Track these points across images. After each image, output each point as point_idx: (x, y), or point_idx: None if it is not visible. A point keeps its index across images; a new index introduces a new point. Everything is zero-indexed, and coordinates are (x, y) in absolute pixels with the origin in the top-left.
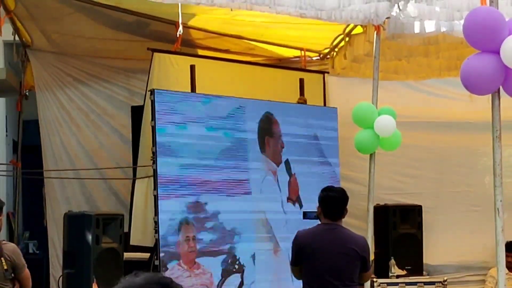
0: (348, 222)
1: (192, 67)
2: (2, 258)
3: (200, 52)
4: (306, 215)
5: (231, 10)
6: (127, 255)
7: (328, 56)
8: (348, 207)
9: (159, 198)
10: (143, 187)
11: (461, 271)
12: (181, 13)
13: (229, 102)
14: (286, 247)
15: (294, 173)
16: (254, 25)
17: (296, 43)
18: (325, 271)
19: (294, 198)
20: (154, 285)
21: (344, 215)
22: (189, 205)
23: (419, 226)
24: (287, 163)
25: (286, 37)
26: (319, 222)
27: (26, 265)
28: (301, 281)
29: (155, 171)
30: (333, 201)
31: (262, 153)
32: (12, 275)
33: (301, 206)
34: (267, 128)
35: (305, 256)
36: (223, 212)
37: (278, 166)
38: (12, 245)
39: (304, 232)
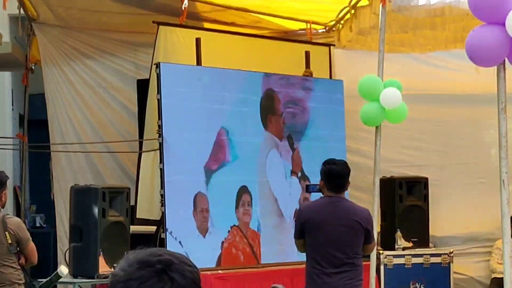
0: (354, 194)
1: (198, 40)
2: (7, 233)
3: (206, 25)
4: (308, 188)
5: None
6: (133, 228)
7: (334, 29)
8: (354, 180)
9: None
10: (149, 160)
11: (467, 243)
12: None
13: (235, 75)
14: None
15: (297, 147)
16: None
17: (302, 15)
18: (329, 244)
19: (298, 171)
20: (145, 271)
21: (347, 187)
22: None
23: (425, 198)
24: (289, 137)
25: (292, 10)
26: (322, 195)
27: (30, 239)
28: (304, 254)
29: (161, 144)
30: (336, 174)
31: (265, 130)
32: (17, 249)
33: (305, 179)
34: (269, 106)
35: (309, 229)
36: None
37: (281, 141)
38: (16, 219)
39: (307, 206)
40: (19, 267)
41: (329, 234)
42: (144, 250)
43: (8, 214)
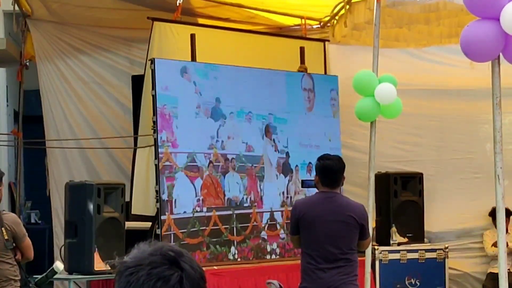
0: (349, 190)
1: (192, 36)
2: (3, 228)
3: (200, 21)
4: (304, 184)
5: None
6: (128, 224)
7: (329, 24)
8: (349, 175)
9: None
10: (144, 156)
11: (462, 238)
12: None
13: (229, 71)
14: None
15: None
16: None
17: (297, 11)
18: (324, 239)
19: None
20: (157, 257)
21: (342, 183)
22: None
23: (420, 193)
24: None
25: (287, 5)
26: (317, 191)
27: (26, 234)
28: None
29: (155, 140)
30: (331, 170)
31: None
32: (13, 244)
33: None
34: None
35: (304, 225)
36: None
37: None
38: (12, 215)
39: (302, 201)
40: (15, 263)
41: (323, 229)
42: (155, 242)
43: (4, 210)
